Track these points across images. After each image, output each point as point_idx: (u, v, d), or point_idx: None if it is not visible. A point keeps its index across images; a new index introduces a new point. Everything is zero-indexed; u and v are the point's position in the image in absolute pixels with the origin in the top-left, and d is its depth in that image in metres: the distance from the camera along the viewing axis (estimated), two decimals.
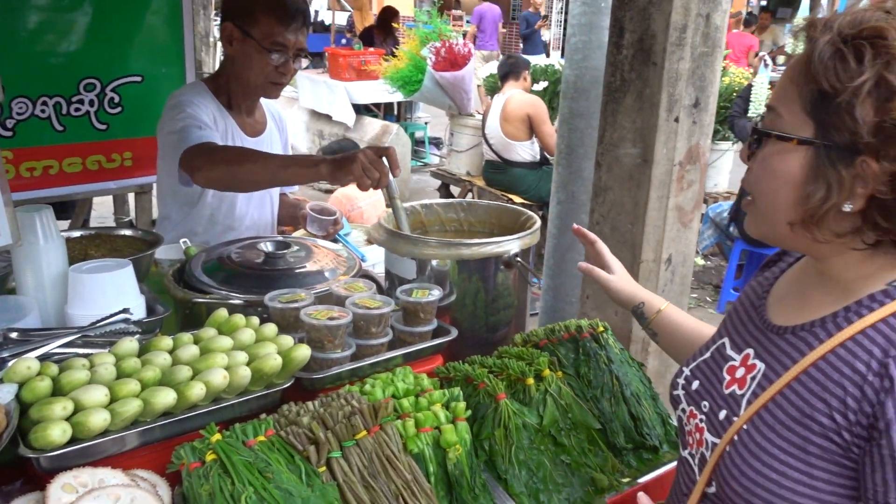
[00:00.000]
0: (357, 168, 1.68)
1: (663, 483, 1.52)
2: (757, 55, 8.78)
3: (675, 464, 1.49)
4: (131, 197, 4.47)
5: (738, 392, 1.04)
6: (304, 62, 2.27)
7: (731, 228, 5.41)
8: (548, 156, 5.82)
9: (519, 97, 5.76)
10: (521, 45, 12.16)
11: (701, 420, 1.10)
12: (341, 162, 1.71)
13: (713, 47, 1.77)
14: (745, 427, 0.98)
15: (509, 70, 5.95)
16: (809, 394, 0.93)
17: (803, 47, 0.93)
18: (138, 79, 3.11)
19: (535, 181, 5.83)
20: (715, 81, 1.85)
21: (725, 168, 6.41)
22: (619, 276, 1.51)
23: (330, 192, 6.07)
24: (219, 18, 2.42)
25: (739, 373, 1.06)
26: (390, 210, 2.05)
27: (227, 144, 2.13)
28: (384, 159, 1.71)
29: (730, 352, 1.12)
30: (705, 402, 1.10)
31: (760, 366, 1.03)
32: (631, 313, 1.49)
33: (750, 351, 1.07)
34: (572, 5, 3.11)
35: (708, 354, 1.17)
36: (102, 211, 6.37)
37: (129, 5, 3.03)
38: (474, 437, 1.48)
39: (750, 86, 5.78)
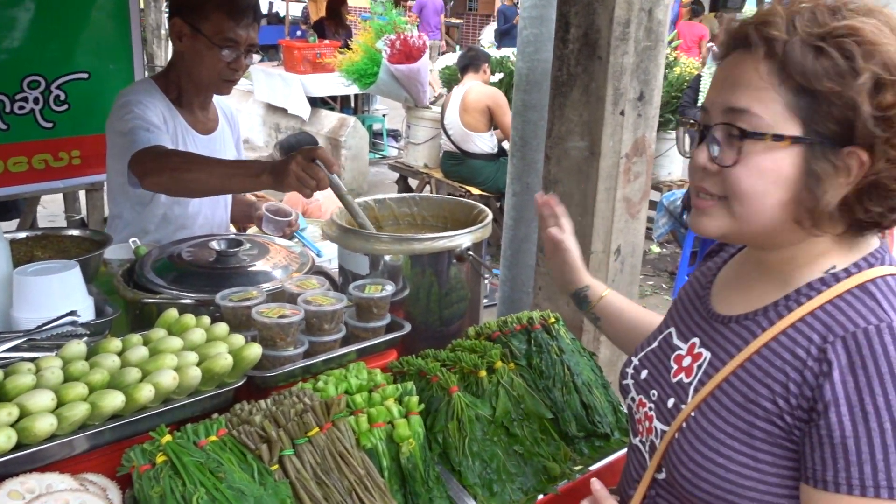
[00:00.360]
0: (291, 180, 1.68)
1: (614, 469, 1.56)
2: (708, 46, 8.96)
3: (626, 450, 1.54)
4: (82, 194, 4.38)
5: (686, 380, 1.07)
6: (256, 57, 2.25)
7: (685, 216, 5.51)
8: (506, 147, 5.87)
9: (479, 88, 5.78)
10: (498, 41, 12.13)
11: (650, 408, 1.13)
12: (278, 173, 1.71)
13: (656, 41, 1.81)
14: (692, 414, 1.01)
15: (469, 62, 5.96)
16: (753, 380, 0.96)
17: (754, 46, 0.93)
18: (85, 75, 3.04)
19: (492, 172, 5.86)
20: (658, 75, 1.89)
21: (678, 157, 6.54)
22: (577, 256, 1.51)
23: None
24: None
25: (686, 361, 1.10)
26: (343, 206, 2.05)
27: (176, 149, 2.10)
28: (318, 162, 1.69)
29: (676, 341, 1.15)
30: (654, 391, 1.14)
31: (706, 354, 1.06)
32: (572, 298, 1.50)
33: (696, 340, 1.11)
34: None
35: (655, 344, 1.21)
36: (54, 209, 6.22)
37: (73, 2, 2.96)
38: (428, 431, 1.49)
39: (699, 76, 5.90)
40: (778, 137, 0.91)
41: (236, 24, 2.10)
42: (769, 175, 0.93)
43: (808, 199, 0.93)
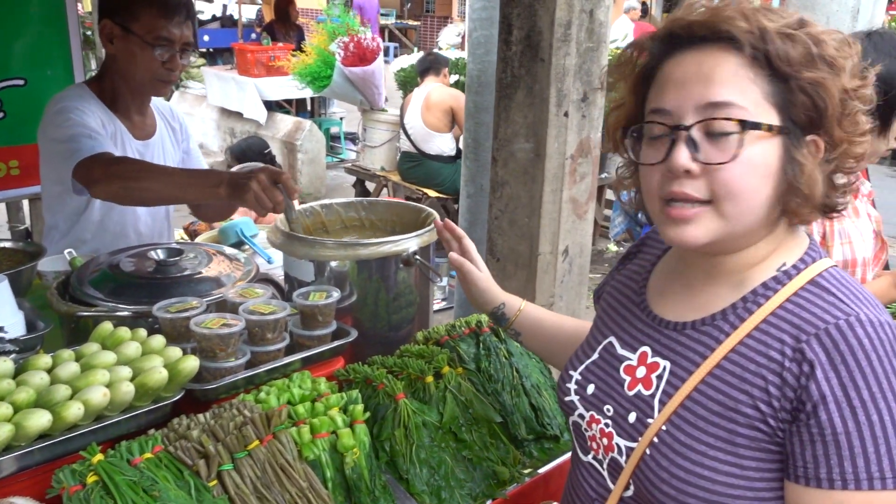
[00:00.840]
0: (250, 197, 1.64)
1: (564, 471, 1.55)
2: None
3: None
4: (26, 204, 4.24)
5: (646, 392, 1.04)
6: (193, 57, 2.19)
7: (640, 215, 5.58)
8: None
9: (442, 90, 5.80)
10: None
11: (606, 424, 1.08)
12: (237, 187, 1.67)
13: (598, 42, 1.81)
14: (664, 428, 0.98)
15: (429, 66, 5.96)
16: (729, 387, 0.95)
17: (717, 40, 0.93)
18: (20, 82, 2.94)
19: (450, 174, 5.85)
20: (601, 76, 1.90)
21: None
22: (485, 276, 1.48)
23: None
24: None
25: (640, 372, 1.06)
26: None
27: (125, 156, 2.04)
28: (280, 186, 1.66)
29: (622, 351, 1.11)
30: (608, 406, 1.09)
31: (664, 364, 1.03)
32: (490, 317, 1.48)
33: (646, 349, 1.07)
34: (472, 0, 3.13)
35: (596, 356, 1.16)
36: None
37: (8, 6, 2.86)
38: (375, 439, 1.47)
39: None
40: (769, 127, 0.91)
41: (168, 21, 2.06)
42: (760, 168, 0.92)
43: (790, 190, 0.94)
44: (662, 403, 1.00)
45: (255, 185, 1.64)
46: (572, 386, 1.17)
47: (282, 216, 1.94)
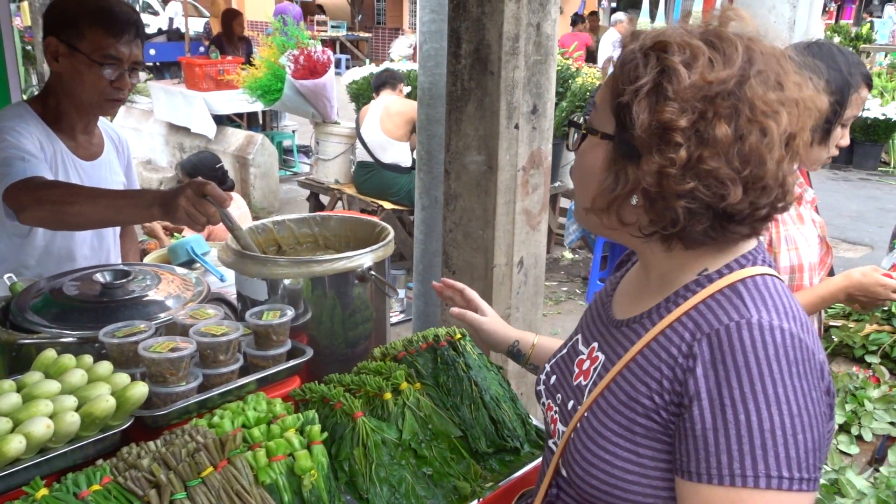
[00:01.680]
0: (181, 215, 1.63)
1: (526, 483, 1.56)
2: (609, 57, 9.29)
3: (536, 462, 1.55)
4: None
5: (584, 383, 1.12)
6: (143, 75, 2.14)
7: None
8: None
9: (401, 101, 5.83)
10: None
11: (555, 412, 1.18)
12: (167, 206, 1.65)
13: (546, 55, 1.83)
14: (585, 414, 1.06)
15: (385, 81, 5.96)
16: (635, 379, 1.01)
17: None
18: None
19: (406, 184, 5.84)
20: (551, 88, 1.92)
21: None
22: (491, 319, 1.54)
23: None
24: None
25: (585, 365, 1.14)
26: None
27: (56, 180, 1.97)
28: (209, 198, 1.63)
29: (581, 347, 1.20)
30: (559, 395, 1.18)
31: (601, 357, 1.11)
32: (508, 356, 1.53)
33: (595, 344, 1.15)
34: (421, 13, 3.14)
35: (564, 351, 1.25)
36: None
37: None
38: (333, 459, 1.45)
39: (601, 86, 6.06)
40: (591, 130, 1.03)
41: (116, 40, 2.00)
42: (587, 165, 1.06)
43: (604, 192, 1.01)
44: (590, 392, 1.08)
45: (183, 202, 1.62)
46: (542, 376, 1.28)
47: (230, 236, 1.91)
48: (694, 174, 0.91)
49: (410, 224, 5.74)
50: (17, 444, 1.15)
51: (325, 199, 6.65)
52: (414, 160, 5.90)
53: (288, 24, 6.34)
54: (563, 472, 1.11)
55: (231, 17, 9.20)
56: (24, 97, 4.04)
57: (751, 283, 0.98)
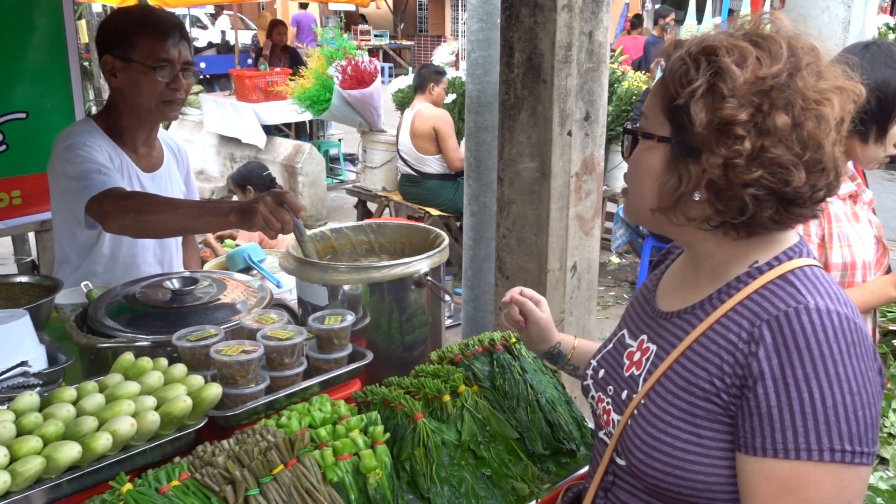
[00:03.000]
0: (259, 220, 1.72)
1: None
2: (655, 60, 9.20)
3: None
4: (32, 236, 4.27)
5: (636, 373, 1.17)
6: (195, 77, 2.25)
7: (641, 227, 5.61)
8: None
9: (426, 112, 5.79)
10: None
11: (608, 403, 1.22)
12: (246, 213, 1.75)
13: (598, 63, 1.86)
14: (642, 402, 1.11)
15: (417, 84, 5.99)
16: (693, 365, 1.06)
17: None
18: (23, 115, 2.99)
19: (451, 193, 5.88)
20: (603, 94, 1.94)
21: None
22: (546, 316, 1.55)
23: None
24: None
25: (636, 356, 1.19)
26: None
27: (135, 191, 2.10)
28: (286, 207, 1.73)
29: (629, 340, 1.25)
30: (610, 387, 1.23)
31: (653, 347, 1.16)
32: (545, 358, 1.56)
33: (644, 336, 1.21)
34: (469, 22, 3.18)
35: (611, 346, 1.31)
36: (3, 251, 6.06)
37: (9, 39, 2.92)
38: (395, 459, 1.49)
39: (648, 90, 6.03)
40: (648, 135, 1.08)
41: (165, 43, 2.11)
42: (644, 168, 1.11)
43: (667, 192, 1.07)
44: (645, 381, 1.13)
45: (262, 208, 1.72)
46: (590, 371, 1.32)
47: (293, 241, 1.98)
48: (759, 163, 0.98)
49: (457, 230, 5.78)
50: (104, 441, 1.22)
51: (372, 206, 6.74)
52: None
53: (335, 34, 6.46)
54: (619, 460, 1.16)
55: (272, 27, 9.39)
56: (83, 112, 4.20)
57: (800, 273, 1.04)
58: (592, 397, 1.29)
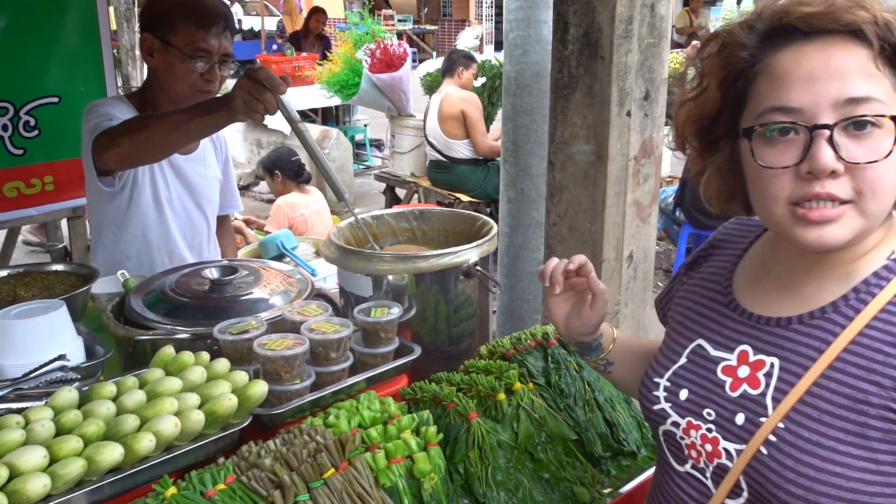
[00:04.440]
0: (238, 104, 1.63)
1: (646, 491, 1.48)
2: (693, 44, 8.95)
3: (653, 471, 1.43)
4: (64, 223, 4.26)
5: (753, 392, 0.99)
6: (233, 69, 2.17)
7: (678, 213, 5.46)
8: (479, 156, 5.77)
9: (454, 95, 5.69)
10: None
11: (709, 430, 1.03)
12: (227, 101, 1.67)
13: (660, 38, 1.74)
14: (781, 426, 0.94)
15: (446, 68, 5.89)
16: (855, 379, 0.91)
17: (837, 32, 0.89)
18: (55, 100, 2.96)
19: (481, 178, 5.78)
20: (663, 72, 1.82)
21: (666, 153, 6.49)
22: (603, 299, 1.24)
23: (271, 201, 5.92)
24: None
25: (743, 372, 1.02)
26: (340, 224, 1.97)
27: (129, 118, 2.01)
28: (265, 83, 1.62)
29: (716, 353, 1.07)
30: (708, 410, 1.04)
31: (772, 361, 0.99)
32: (580, 348, 1.31)
33: (745, 348, 1.03)
34: (507, 1, 3.06)
35: (683, 360, 1.11)
36: (33, 238, 6.07)
37: (42, 23, 2.88)
38: (448, 461, 1.41)
39: (685, 72, 5.84)
40: None
41: (206, 33, 2.05)
42: None
43: None
44: (776, 401, 0.96)
45: (238, 91, 1.63)
46: (660, 394, 1.11)
47: (334, 229, 1.89)
48: None
49: (488, 216, 5.68)
50: (147, 442, 1.15)
51: (401, 192, 6.66)
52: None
53: (364, 17, 6.35)
54: (741, 498, 0.99)
55: (311, 14, 9.31)
56: None
57: None
58: (675, 424, 1.08)
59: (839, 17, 0.88)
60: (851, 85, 0.88)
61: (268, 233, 4.31)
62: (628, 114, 1.74)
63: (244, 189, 8.73)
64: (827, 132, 0.88)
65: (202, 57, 2.07)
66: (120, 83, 9.45)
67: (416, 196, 6.31)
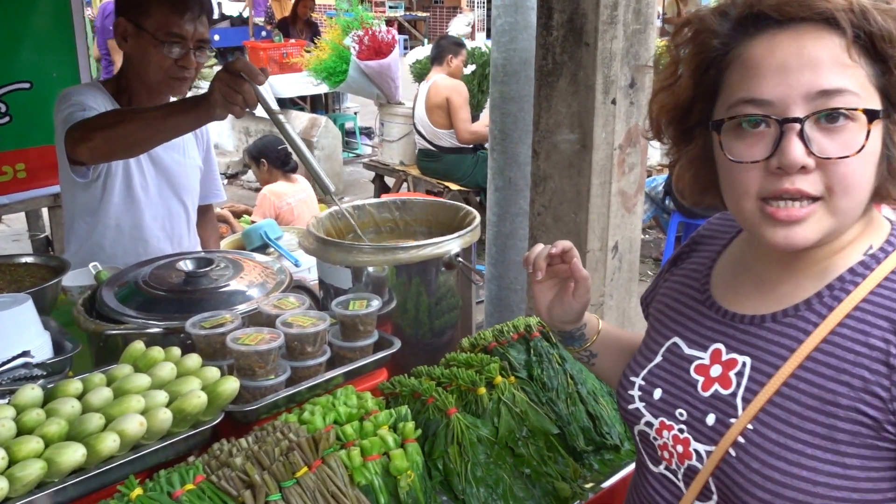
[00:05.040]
0: (217, 97, 1.60)
1: (628, 485, 1.46)
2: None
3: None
4: (45, 212, 4.19)
5: (724, 391, 0.96)
6: (209, 53, 2.12)
7: (667, 202, 5.44)
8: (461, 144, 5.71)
9: (441, 83, 5.62)
10: None
11: (681, 430, 1.00)
12: (206, 96, 1.64)
13: (645, 24, 1.70)
14: (750, 427, 0.92)
15: (434, 55, 5.82)
16: (825, 379, 0.88)
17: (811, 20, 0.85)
18: (27, 85, 2.90)
19: (470, 167, 5.73)
20: (649, 60, 1.78)
21: (655, 142, 6.43)
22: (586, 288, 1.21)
23: (259, 189, 5.86)
24: None
25: (715, 371, 0.99)
26: (320, 215, 1.93)
27: (105, 111, 1.96)
28: (243, 75, 1.59)
29: (690, 351, 1.03)
30: (680, 410, 1.01)
31: (743, 359, 0.96)
32: (563, 337, 1.27)
33: (719, 346, 1.00)
34: None
35: (659, 359, 1.08)
36: (18, 227, 6.00)
37: (13, 7, 2.81)
38: (426, 457, 1.38)
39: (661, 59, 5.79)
40: (883, 113, 0.85)
41: (180, 17, 1.99)
42: (872, 157, 0.86)
43: (890, 174, 0.89)
44: (746, 401, 0.93)
45: (217, 84, 1.60)
46: (635, 393, 1.09)
47: (314, 219, 1.85)
48: None
49: (476, 205, 5.63)
50: (111, 442, 1.11)
51: (390, 181, 6.61)
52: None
53: (353, 4, 6.27)
54: (712, 500, 0.96)
55: (298, 0, 9.19)
56: None
57: None
58: (648, 424, 1.05)
59: (812, 4, 0.84)
60: (824, 76, 0.84)
61: (253, 222, 4.25)
62: (613, 101, 1.70)
63: (232, 178, 8.65)
64: (797, 126, 0.84)
65: (176, 42, 2.01)
66: (92, 69, 9.31)
67: (405, 185, 6.26)
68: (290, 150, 5.22)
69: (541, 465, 1.43)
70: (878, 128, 0.86)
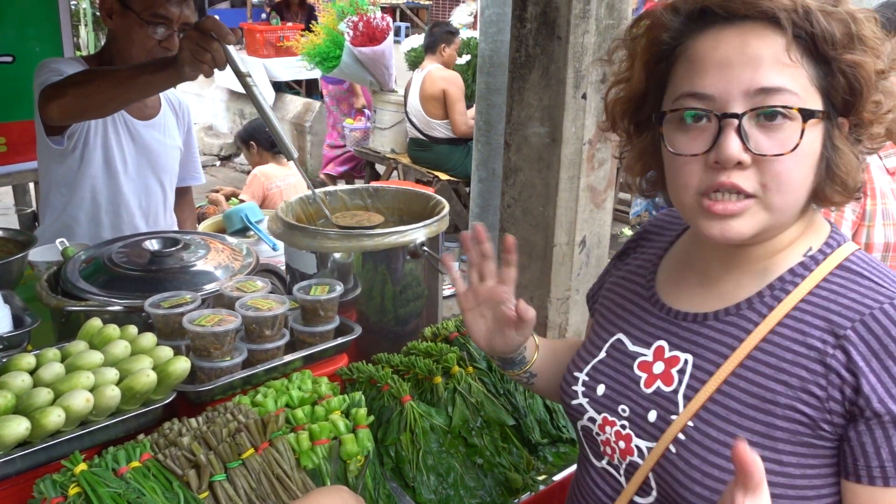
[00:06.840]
0: (185, 55, 1.59)
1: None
2: None
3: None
4: (32, 186, 4.19)
5: (666, 388, 0.97)
6: None
7: (658, 197, 5.45)
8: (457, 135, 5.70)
9: (437, 73, 5.60)
10: None
11: (623, 426, 1.01)
12: (177, 55, 1.63)
13: (619, 19, 1.70)
14: (690, 424, 0.93)
15: (428, 44, 5.80)
16: (764, 378, 0.89)
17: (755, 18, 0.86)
18: (8, 59, 2.89)
19: (461, 158, 5.72)
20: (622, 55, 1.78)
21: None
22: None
23: (248, 171, 5.84)
24: None
25: (658, 368, 1.00)
26: (291, 199, 1.93)
27: (78, 71, 1.94)
28: (212, 34, 1.59)
29: (633, 347, 1.04)
30: (623, 406, 1.02)
31: (685, 357, 0.97)
32: (503, 363, 1.22)
33: (662, 343, 1.01)
34: None
35: (603, 354, 1.08)
36: (7, 202, 5.99)
37: None
38: (379, 444, 1.39)
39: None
40: (821, 114, 0.86)
41: None
42: (809, 157, 0.87)
43: (829, 175, 0.89)
44: (687, 398, 0.95)
45: (186, 43, 1.59)
46: (579, 388, 1.09)
47: (282, 204, 1.86)
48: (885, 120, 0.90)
49: (466, 196, 5.63)
50: (56, 417, 1.11)
51: (380, 168, 6.59)
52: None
53: None
54: (642, 500, 0.98)
55: None
56: None
57: (858, 261, 0.92)
58: (591, 419, 1.05)
59: (756, 2, 0.85)
60: (764, 74, 0.84)
61: (242, 201, 4.24)
62: (584, 96, 1.70)
63: (225, 160, 8.63)
64: (735, 122, 0.85)
65: (161, 23, 2.01)
66: (77, 42, 9.18)
67: (395, 173, 6.25)
68: (285, 132, 5.20)
69: (494, 456, 1.44)
70: (815, 128, 0.87)
